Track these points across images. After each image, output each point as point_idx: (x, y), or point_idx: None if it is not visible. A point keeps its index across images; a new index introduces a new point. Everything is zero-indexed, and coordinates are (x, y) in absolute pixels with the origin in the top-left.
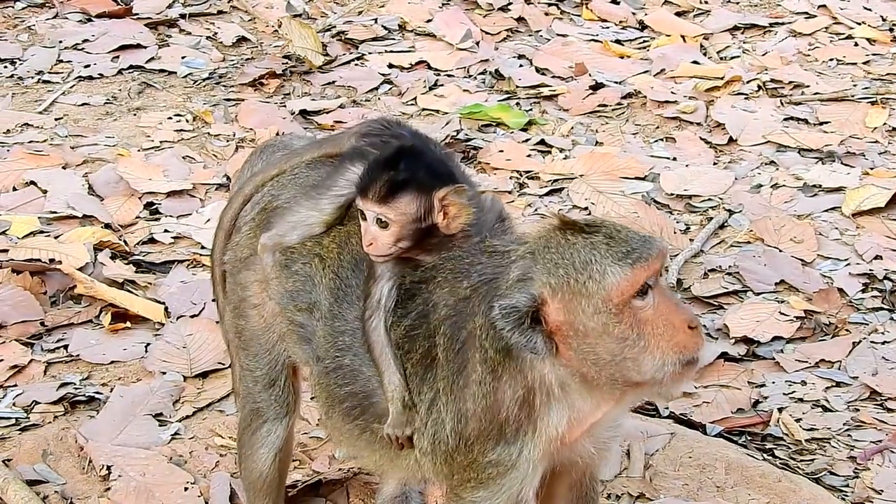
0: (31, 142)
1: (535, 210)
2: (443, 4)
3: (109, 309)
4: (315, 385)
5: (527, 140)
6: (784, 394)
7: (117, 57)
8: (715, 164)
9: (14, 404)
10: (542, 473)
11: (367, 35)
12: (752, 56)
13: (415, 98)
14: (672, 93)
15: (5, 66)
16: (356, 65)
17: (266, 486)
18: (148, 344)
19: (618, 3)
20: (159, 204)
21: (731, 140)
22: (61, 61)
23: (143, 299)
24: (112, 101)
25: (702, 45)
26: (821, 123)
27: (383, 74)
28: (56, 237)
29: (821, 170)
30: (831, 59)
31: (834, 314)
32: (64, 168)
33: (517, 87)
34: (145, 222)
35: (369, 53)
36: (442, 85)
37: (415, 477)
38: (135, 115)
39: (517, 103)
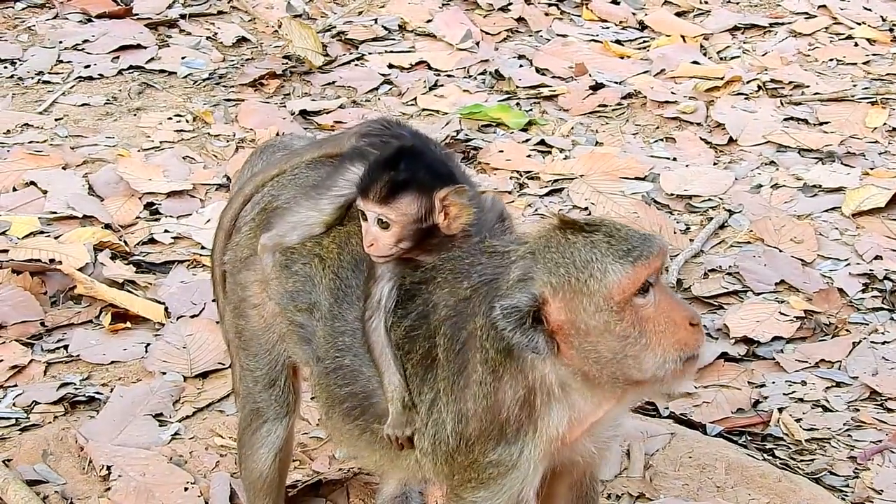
0: (31, 142)
1: (535, 210)
2: (443, 5)
3: (109, 309)
4: (315, 385)
5: (527, 140)
6: (784, 394)
7: (117, 57)
8: (715, 164)
9: (14, 404)
10: (543, 473)
11: (368, 35)
12: (752, 56)
13: (415, 98)
14: (672, 93)
15: (5, 67)
16: (356, 65)
17: (266, 486)
18: (148, 344)
19: (618, 4)
20: (159, 204)
21: (731, 140)
22: (61, 62)
23: (143, 299)
24: (112, 102)
25: (702, 46)
26: (821, 123)
27: (383, 75)
28: (56, 237)
29: (821, 170)
30: (831, 60)
31: (834, 314)
32: (64, 168)
33: (517, 87)
34: (145, 222)
35: (369, 54)
36: (442, 85)
37: (415, 477)
38: (135, 115)
39: (517, 103)
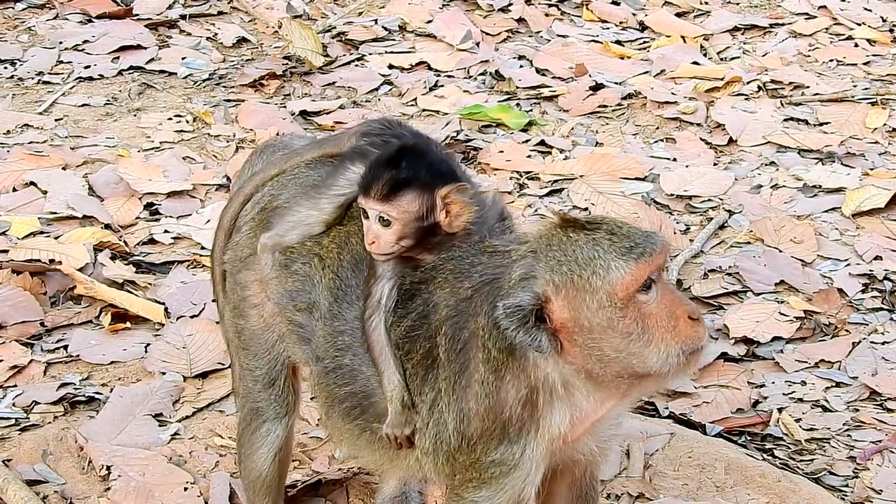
0: (31, 142)
1: (536, 211)
2: (443, 5)
3: (109, 309)
4: (315, 385)
5: (527, 141)
6: (784, 394)
7: (117, 58)
8: (715, 164)
9: (14, 404)
10: (544, 472)
11: (368, 36)
12: (753, 57)
13: (415, 99)
14: (672, 93)
15: (5, 67)
16: (356, 65)
17: (266, 486)
18: (148, 344)
19: (618, 4)
20: (159, 204)
21: (731, 141)
22: (61, 62)
23: (142, 300)
24: (112, 102)
25: (702, 46)
26: (821, 124)
27: (383, 75)
28: (56, 238)
29: (821, 170)
30: (831, 60)
31: (834, 314)
32: (64, 169)
33: (517, 87)
34: (145, 223)
35: (369, 54)
36: (442, 86)
37: (415, 476)
38: (135, 115)
39: (517, 104)
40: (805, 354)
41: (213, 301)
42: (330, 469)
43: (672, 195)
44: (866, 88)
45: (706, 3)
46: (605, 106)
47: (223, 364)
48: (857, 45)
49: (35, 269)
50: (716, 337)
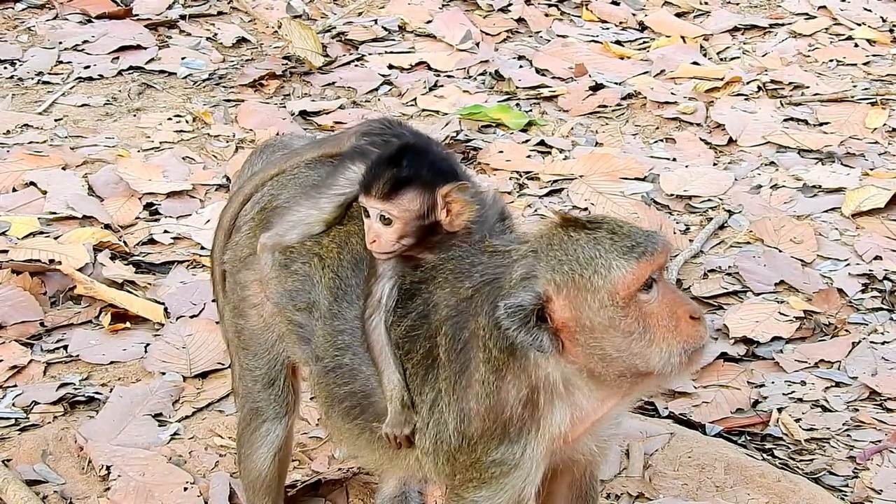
0: (30, 142)
1: (535, 211)
2: (443, 5)
3: (109, 309)
4: (314, 384)
5: (527, 141)
6: (783, 394)
7: (117, 58)
8: (715, 164)
9: (14, 404)
10: (545, 472)
11: (367, 36)
12: (752, 57)
13: (415, 99)
14: (672, 93)
15: (5, 67)
16: (356, 66)
17: (265, 486)
18: (147, 344)
19: (618, 4)
20: (159, 204)
21: (730, 141)
22: (61, 62)
23: (142, 300)
24: (112, 102)
25: (702, 46)
26: (821, 124)
27: (383, 75)
28: (56, 238)
29: (820, 170)
30: (831, 60)
31: (833, 314)
32: (64, 169)
33: (517, 87)
34: (145, 223)
35: (369, 54)
36: (442, 86)
37: (415, 476)
38: (135, 115)
39: (517, 104)
40: (805, 354)
41: (213, 301)
42: (330, 469)
43: (672, 195)
44: (866, 88)
45: (706, 3)
46: (605, 106)
47: (223, 364)
48: (856, 46)
49: (35, 269)
50: (716, 337)
